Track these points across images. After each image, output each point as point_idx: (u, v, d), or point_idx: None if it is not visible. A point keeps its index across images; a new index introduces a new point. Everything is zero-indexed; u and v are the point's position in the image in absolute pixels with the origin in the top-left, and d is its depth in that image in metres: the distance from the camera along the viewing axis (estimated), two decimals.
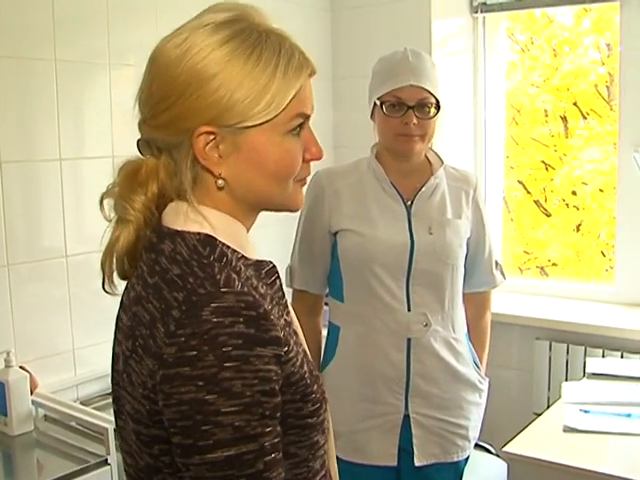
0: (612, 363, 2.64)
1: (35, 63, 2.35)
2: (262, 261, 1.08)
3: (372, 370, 2.03)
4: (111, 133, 2.53)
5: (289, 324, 1.06)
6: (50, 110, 2.39)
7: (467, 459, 2.16)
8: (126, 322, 1.05)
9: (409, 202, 2.04)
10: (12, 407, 2.17)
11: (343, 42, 3.44)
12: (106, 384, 2.32)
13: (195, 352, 0.90)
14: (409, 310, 2.01)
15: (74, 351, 2.48)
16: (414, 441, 2.04)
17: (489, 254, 2.20)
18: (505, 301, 3.34)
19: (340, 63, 3.47)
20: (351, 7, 3.41)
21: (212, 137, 1.01)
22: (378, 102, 2.00)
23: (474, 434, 2.16)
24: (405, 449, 2.05)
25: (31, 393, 2.24)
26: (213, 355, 0.90)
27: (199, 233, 1.02)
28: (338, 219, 2.05)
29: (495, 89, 3.50)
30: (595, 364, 2.60)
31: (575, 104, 3.54)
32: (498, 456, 2.65)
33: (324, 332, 2.20)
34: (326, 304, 2.20)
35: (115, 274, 1.07)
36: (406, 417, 2.04)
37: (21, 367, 2.23)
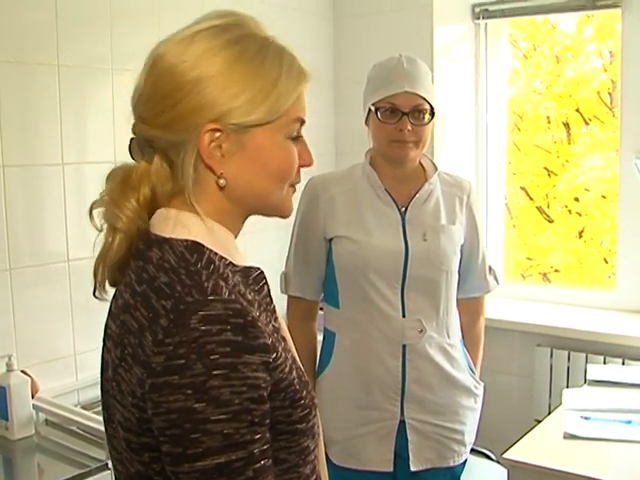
0: (613, 370, 2.64)
1: (38, 68, 2.36)
2: (250, 267, 1.08)
3: (368, 376, 2.04)
4: (113, 138, 2.53)
5: (277, 330, 1.05)
6: (53, 115, 2.40)
7: (464, 464, 2.16)
8: (115, 330, 1.04)
9: (403, 208, 2.05)
10: (13, 411, 2.17)
11: (345, 49, 3.46)
12: None
13: (183, 360, 0.90)
14: (404, 316, 2.02)
15: (75, 356, 2.49)
16: (409, 446, 2.04)
17: (482, 260, 2.21)
18: (506, 307, 3.34)
19: (342, 70, 3.49)
20: (353, 15, 3.43)
21: (217, 135, 1.01)
22: (373, 108, 2.01)
23: (470, 439, 2.16)
24: (401, 455, 2.06)
25: (32, 397, 2.24)
26: (201, 363, 0.90)
27: (186, 240, 1.02)
28: (333, 226, 2.06)
29: (497, 95, 3.51)
30: (596, 371, 2.60)
31: (577, 110, 3.54)
32: (498, 462, 2.65)
33: (319, 337, 2.20)
34: (321, 309, 2.20)
35: (106, 281, 1.08)
36: (402, 423, 2.05)
37: (22, 371, 2.24)
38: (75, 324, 2.47)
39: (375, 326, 2.02)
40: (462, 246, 2.11)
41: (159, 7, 2.69)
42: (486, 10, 3.35)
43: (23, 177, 2.34)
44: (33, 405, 2.24)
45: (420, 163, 2.10)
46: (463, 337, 2.18)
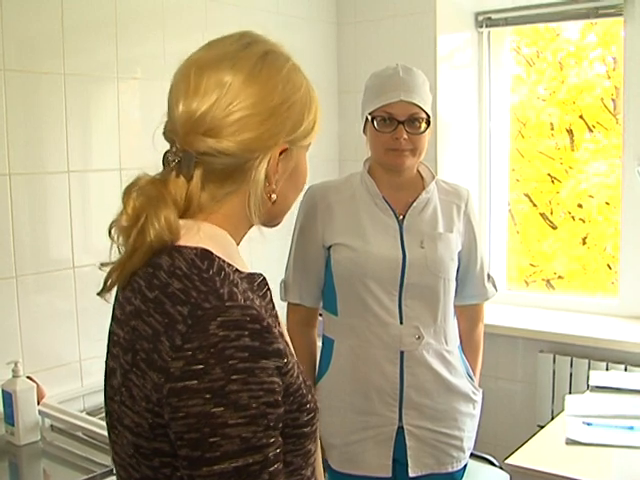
0: (615, 376, 2.65)
1: (43, 77, 2.38)
2: (254, 274, 1.11)
3: (366, 383, 2.05)
4: (119, 145, 2.55)
5: (282, 335, 1.07)
6: (58, 123, 2.42)
7: (464, 469, 2.17)
8: (124, 336, 1.05)
9: (401, 216, 2.07)
10: (19, 417, 2.19)
11: (349, 56, 3.48)
12: None
13: (202, 365, 0.92)
14: (401, 323, 2.04)
15: (81, 362, 2.50)
16: (408, 452, 2.06)
17: (481, 267, 2.22)
18: (509, 314, 3.35)
19: (346, 77, 3.51)
20: (357, 21, 3.45)
21: (285, 154, 1.09)
22: (369, 117, 2.03)
23: (469, 445, 2.17)
24: (399, 460, 2.07)
25: (38, 403, 2.26)
26: (220, 368, 0.92)
27: (196, 247, 1.04)
28: (331, 233, 2.08)
29: (500, 103, 3.53)
30: (598, 377, 2.61)
31: (581, 117, 3.55)
32: (501, 468, 2.66)
33: (319, 344, 2.22)
34: (321, 315, 2.22)
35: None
36: (400, 429, 2.06)
37: (28, 377, 2.25)
38: (80, 330, 2.49)
39: (373, 333, 2.04)
40: (460, 253, 2.13)
41: (163, 15, 2.71)
42: (489, 18, 3.37)
43: (29, 185, 2.37)
44: (39, 411, 2.25)
45: (418, 171, 2.13)
46: (462, 344, 2.20)
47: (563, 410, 2.38)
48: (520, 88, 3.67)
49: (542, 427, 2.39)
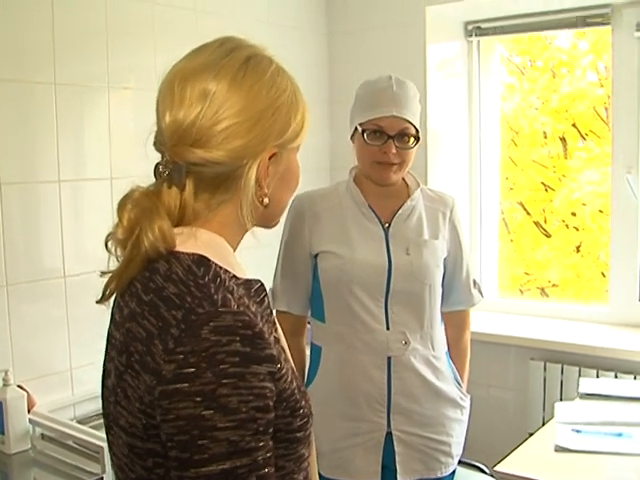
0: (605, 383, 2.65)
1: (35, 86, 2.40)
2: (251, 280, 1.12)
3: (354, 389, 2.06)
4: (110, 155, 2.56)
5: (278, 341, 1.08)
6: (49, 132, 2.43)
7: (452, 475, 2.18)
8: (119, 338, 1.07)
9: (387, 224, 2.09)
10: (9, 425, 2.20)
11: (340, 66, 3.50)
12: None
13: (194, 369, 0.93)
14: (388, 329, 2.05)
15: (71, 370, 2.51)
16: (397, 458, 2.07)
17: (467, 273, 2.23)
18: (501, 322, 3.37)
19: (337, 87, 3.53)
20: (347, 32, 3.47)
21: (274, 158, 1.09)
22: (359, 128, 2.04)
23: (457, 450, 2.17)
24: (388, 466, 2.08)
25: (28, 412, 2.26)
26: (211, 372, 0.93)
27: (193, 254, 1.05)
28: (318, 241, 2.09)
29: (490, 111, 3.55)
30: (588, 384, 2.62)
31: (574, 125, 3.57)
32: (492, 476, 2.66)
33: (307, 352, 2.23)
34: (309, 323, 2.23)
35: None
36: (388, 434, 2.07)
37: (19, 386, 2.26)
38: (71, 339, 2.49)
39: (360, 339, 2.05)
40: (446, 260, 2.14)
41: (154, 26, 2.73)
42: (478, 28, 3.39)
43: (20, 194, 2.37)
44: (29, 419, 2.26)
45: (403, 179, 2.14)
46: (449, 350, 2.21)
47: (553, 417, 2.39)
48: (513, 97, 3.69)
49: (532, 434, 2.40)
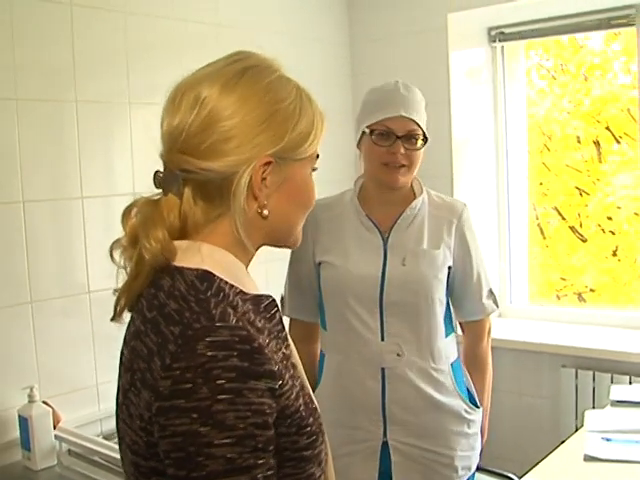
0: (637, 390, 2.59)
1: (58, 105, 2.42)
2: (261, 295, 1.10)
3: (351, 397, 2.06)
4: (132, 170, 2.59)
5: (287, 357, 1.07)
6: (71, 149, 2.45)
7: None
8: (127, 355, 1.07)
9: (386, 234, 2.06)
10: (35, 442, 2.21)
11: (363, 75, 3.48)
12: None
13: (190, 385, 0.92)
14: (383, 340, 2.03)
15: (97, 386, 2.52)
16: (393, 467, 2.05)
17: (478, 282, 2.17)
18: (532, 329, 3.32)
19: (360, 96, 3.49)
20: (369, 40, 3.45)
21: (269, 167, 1.06)
22: (367, 130, 2.03)
23: (464, 463, 2.12)
24: (387, 475, 2.06)
25: (54, 428, 2.28)
26: (207, 388, 0.92)
27: (197, 269, 1.04)
28: (320, 251, 2.09)
29: (517, 117, 3.51)
30: (619, 391, 2.56)
31: (607, 128, 3.51)
32: None
33: None
34: None
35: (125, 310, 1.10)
36: (385, 444, 2.06)
37: (44, 402, 2.28)
38: (97, 355, 2.50)
39: (355, 349, 2.04)
40: (453, 270, 2.10)
41: (174, 43, 2.74)
42: (502, 33, 3.36)
43: (43, 211, 2.40)
44: (55, 435, 2.28)
45: (411, 186, 2.11)
46: (466, 360, 2.18)
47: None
48: (544, 102, 3.64)
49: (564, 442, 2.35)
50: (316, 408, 1.10)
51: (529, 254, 3.64)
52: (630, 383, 2.82)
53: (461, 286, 2.15)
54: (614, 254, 3.59)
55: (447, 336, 2.12)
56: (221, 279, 1.04)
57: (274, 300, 1.12)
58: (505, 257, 3.54)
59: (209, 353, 0.93)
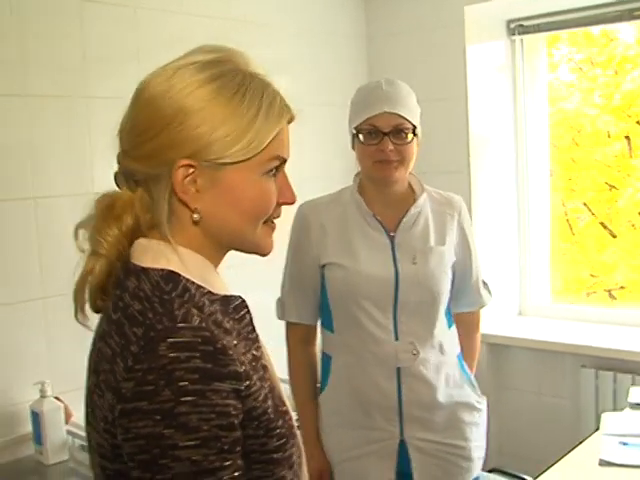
0: None
1: (69, 100, 2.43)
2: (230, 296, 1.09)
3: (364, 399, 2.04)
4: None
5: (257, 359, 1.06)
6: (82, 145, 2.46)
7: None
8: (93, 357, 1.06)
9: (392, 233, 2.04)
10: (47, 437, 2.23)
11: (380, 69, 3.43)
12: None
13: (152, 387, 0.92)
14: (397, 339, 2.02)
15: None
16: (412, 465, 2.04)
17: (476, 275, 2.20)
18: (553, 328, 3.29)
19: None
20: (387, 34, 3.41)
21: (191, 170, 1.02)
22: (355, 131, 2.02)
23: (478, 454, 2.13)
24: (406, 474, 2.05)
25: (66, 423, 2.29)
26: (169, 390, 0.91)
27: (163, 270, 1.03)
28: (325, 252, 2.07)
29: (538, 112, 3.45)
30: (638, 393, 2.51)
31: (638, 123, 3.44)
32: None
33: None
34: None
35: (88, 306, 1.09)
36: (403, 442, 2.05)
37: (56, 398, 2.29)
38: None
39: (368, 350, 2.02)
40: (455, 263, 2.10)
41: (186, 36, 2.72)
42: (521, 26, 3.31)
43: (54, 207, 2.40)
44: (67, 431, 2.29)
45: (410, 184, 2.10)
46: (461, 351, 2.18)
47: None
48: (572, 96, 3.57)
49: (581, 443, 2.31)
50: (287, 411, 1.08)
51: (552, 251, 3.57)
52: None
53: (461, 278, 2.15)
54: None
55: (449, 328, 2.13)
56: (187, 279, 1.03)
57: (244, 301, 1.10)
58: (525, 254, 3.49)
59: (171, 354, 0.92)
